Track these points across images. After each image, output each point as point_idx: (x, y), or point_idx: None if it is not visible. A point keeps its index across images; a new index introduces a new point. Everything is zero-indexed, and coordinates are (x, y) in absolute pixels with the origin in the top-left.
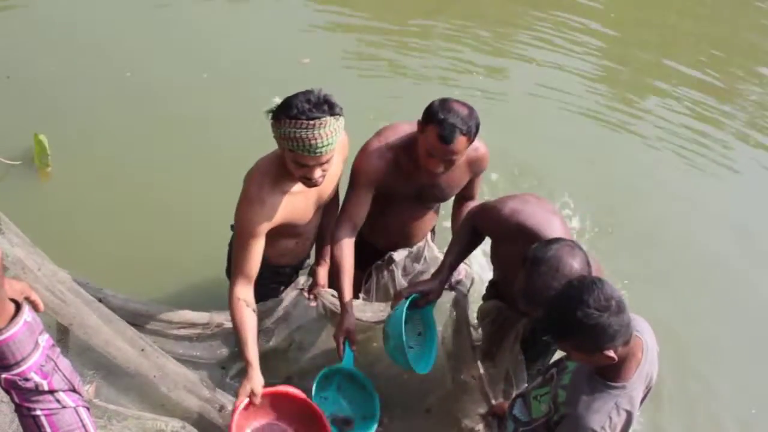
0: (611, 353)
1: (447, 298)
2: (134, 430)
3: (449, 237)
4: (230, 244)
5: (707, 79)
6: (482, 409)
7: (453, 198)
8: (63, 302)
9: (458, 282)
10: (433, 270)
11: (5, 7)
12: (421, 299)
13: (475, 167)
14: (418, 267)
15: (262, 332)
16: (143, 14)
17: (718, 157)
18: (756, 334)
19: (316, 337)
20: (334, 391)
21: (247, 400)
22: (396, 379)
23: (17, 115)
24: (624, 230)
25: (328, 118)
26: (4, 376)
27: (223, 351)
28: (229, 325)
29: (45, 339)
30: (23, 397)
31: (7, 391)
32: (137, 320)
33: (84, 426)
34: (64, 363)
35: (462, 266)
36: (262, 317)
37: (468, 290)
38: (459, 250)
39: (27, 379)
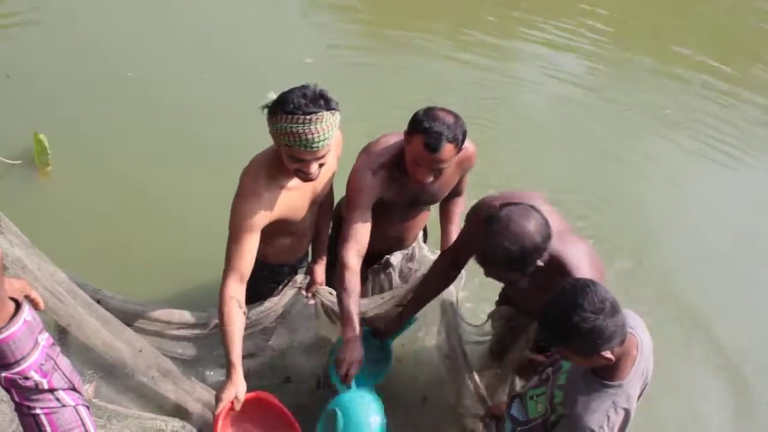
0: (608, 354)
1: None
2: (134, 430)
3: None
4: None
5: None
6: (480, 411)
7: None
8: (61, 302)
9: None
10: (423, 270)
11: (7, 5)
12: (377, 336)
13: (465, 166)
14: (412, 266)
15: (261, 332)
16: (145, 14)
17: None
18: None
19: (314, 337)
20: None
21: (228, 405)
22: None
23: (17, 115)
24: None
25: (325, 113)
26: (4, 374)
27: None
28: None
29: (45, 338)
30: (23, 395)
31: (7, 390)
32: (136, 322)
33: (84, 424)
34: (64, 362)
35: None
36: (260, 316)
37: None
38: (425, 296)
39: (27, 378)
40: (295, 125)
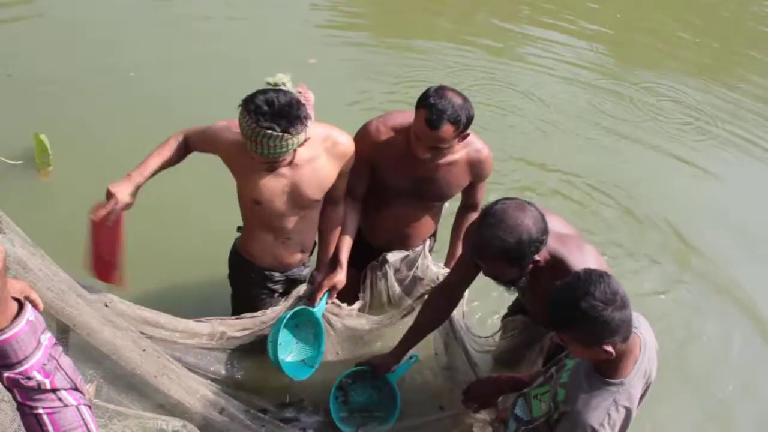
0: (610, 348)
1: None
2: (135, 430)
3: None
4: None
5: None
6: (489, 415)
7: (458, 207)
8: (64, 302)
9: None
10: (424, 280)
11: (8, 5)
12: (373, 371)
13: (476, 169)
14: (417, 275)
15: (262, 342)
16: (149, 14)
17: None
18: None
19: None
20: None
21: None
22: (412, 380)
23: (18, 115)
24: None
25: (277, 134)
26: (6, 374)
27: (230, 367)
28: (232, 334)
29: (47, 338)
30: (25, 395)
31: (10, 390)
32: (140, 327)
33: (86, 424)
34: (66, 361)
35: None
36: (261, 326)
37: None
38: (418, 333)
39: (29, 378)
40: (249, 129)
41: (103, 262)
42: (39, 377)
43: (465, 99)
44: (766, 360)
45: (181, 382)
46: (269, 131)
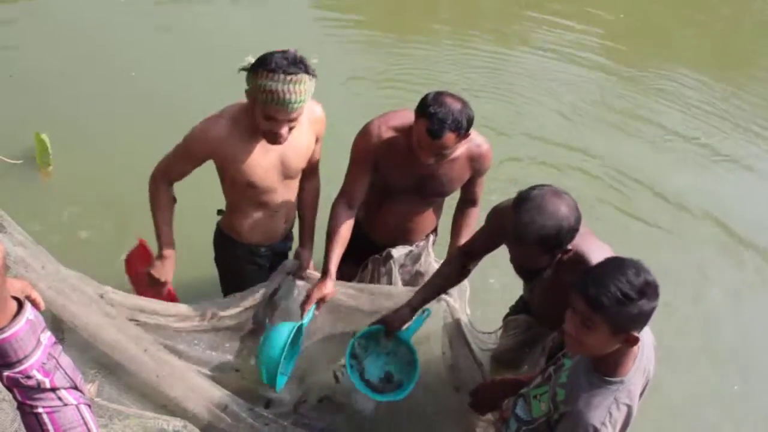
0: (633, 336)
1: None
2: (135, 429)
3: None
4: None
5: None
6: (494, 416)
7: (456, 204)
8: (66, 300)
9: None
10: (428, 275)
11: (9, 4)
12: (387, 329)
13: (476, 164)
14: (417, 268)
15: (253, 321)
16: (149, 15)
17: None
18: None
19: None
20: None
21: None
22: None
23: (19, 114)
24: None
25: (304, 75)
26: (6, 374)
27: (232, 345)
28: (225, 316)
29: (47, 337)
30: (25, 394)
31: (10, 389)
32: (135, 315)
33: (85, 423)
34: (66, 360)
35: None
36: (248, 303)
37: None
38: (434, 287)
39: (29, 377)
40: (275, 83)
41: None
42: (39, 376)
43: (464, 103)
44: None
45: (184, 381)
46: (298, 75)
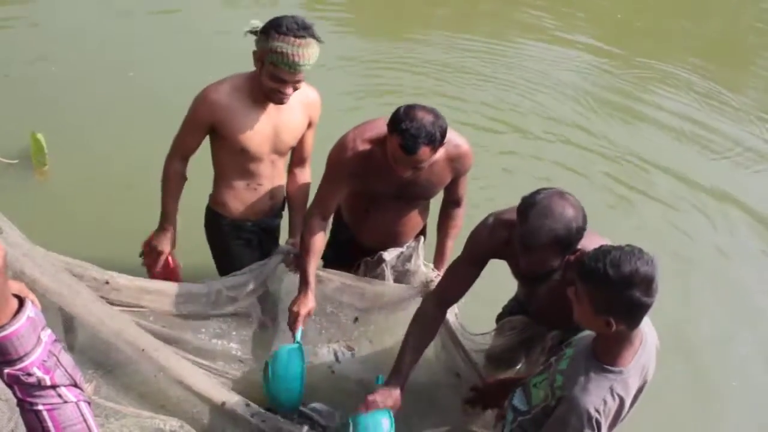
0: (612, 323)
1: None
2: (132, 429)
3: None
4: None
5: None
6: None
7: (441, 203)
8: (66, 295)
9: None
10: (415, 277)
11: (5, 3)
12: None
13: (457, 165)
14: (407, 267)
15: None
16: (145, 15)
17: None
18: None
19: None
20: None
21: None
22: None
23: (14, 114)
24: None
25: (311, 40)
26: (6, 371)
27: (239, 333)
28: (228, 293)
29: (47, 335)
30: (25, 392)
31: (10, 386)
32: (141, 298)
33: (85, 420)
34: (66, 358)
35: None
36: (252, 285)
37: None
38: (422, 343)
39: (29, 374)
40: (286, 45)
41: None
42: (39, 374)
43: (436, 115)
44: None
45: (182, 378)
46: (306, 39)
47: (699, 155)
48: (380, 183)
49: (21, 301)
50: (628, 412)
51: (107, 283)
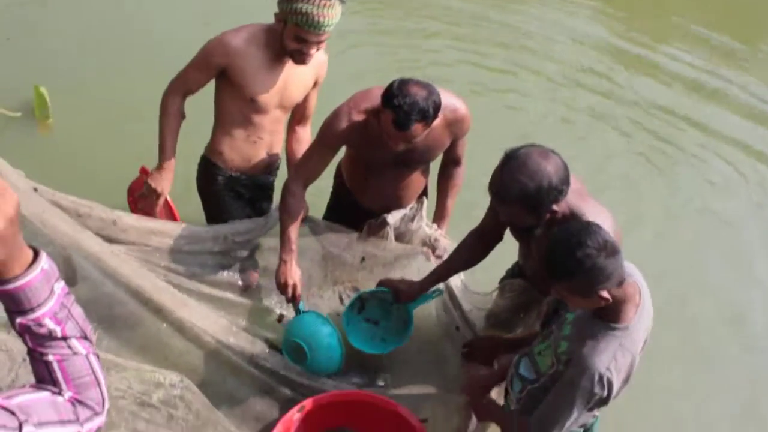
0: (606, 294)
1: None
2: (132, 381)
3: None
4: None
5: None
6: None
7: (440, 163)
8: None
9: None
10: (416, 236)
11: None
12: (395, 298)
13: (455, 128)
14: (410, 227)
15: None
16: None
17: None
18: None
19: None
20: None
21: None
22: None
23: (17, 67)
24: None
25: (335, 1)
26: (18, 320)
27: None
28: (235, 238)
29: (60, 287)
30: (36, 342)
31: (21, 335)
32: (147, 239)
33: (94, 373)
34: (78, 311)
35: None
36: (258, 232)
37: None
38: (451, 266)
39: (41, 325)
40: (310, 7)
41: None
42: (50, 325)
43: (429, 89)
44: None
45: (184, 325)
46: (330, 0)
47: (719, 108)
48: (377, 152)
49: (36, 253)
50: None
51: (114, 223)
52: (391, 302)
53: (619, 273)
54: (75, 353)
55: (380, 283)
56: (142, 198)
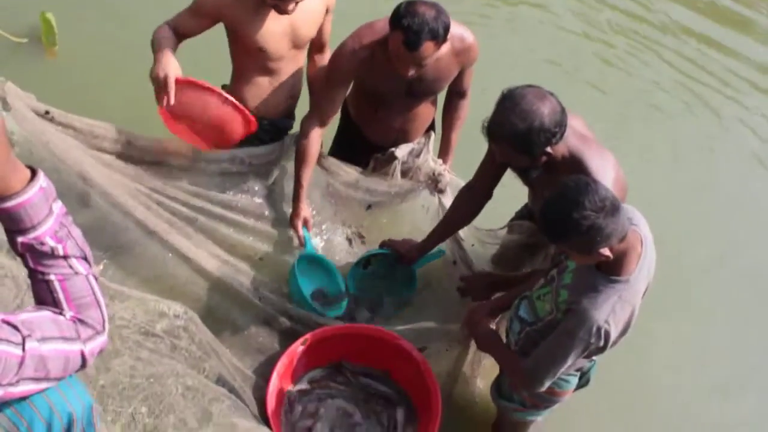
0: (606, 252)
1: None
2: (136, 311)
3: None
4: None
5: None
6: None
7: (445, 95)
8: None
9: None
10: (422, 170)
11: None
12: (399, 259)
13: (463, 58)
14: (417, 163)
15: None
16: None
17: None
18: None
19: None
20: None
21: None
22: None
23: None
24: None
25: None
26: (20, 240)
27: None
28: (252, 161)
29: (58, 206)
30: (38, 261)
31: (22, 255)
32: (164, 158)
33: (94, 293)
34: (76, 231)
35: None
36: (273, 155)
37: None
38: (448, 225)
39: (42, 243)
40: None
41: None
42: (52, 243)
43: (438, 9)
44: None
45: (190, 262)
46: None
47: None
48: (386, 84)
49: (33, 171)
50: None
51: (129, 143)
52: (393, 263)
53: (620, 230)
54: (76, 273)
55: (383, 245)
56: (158, 94)
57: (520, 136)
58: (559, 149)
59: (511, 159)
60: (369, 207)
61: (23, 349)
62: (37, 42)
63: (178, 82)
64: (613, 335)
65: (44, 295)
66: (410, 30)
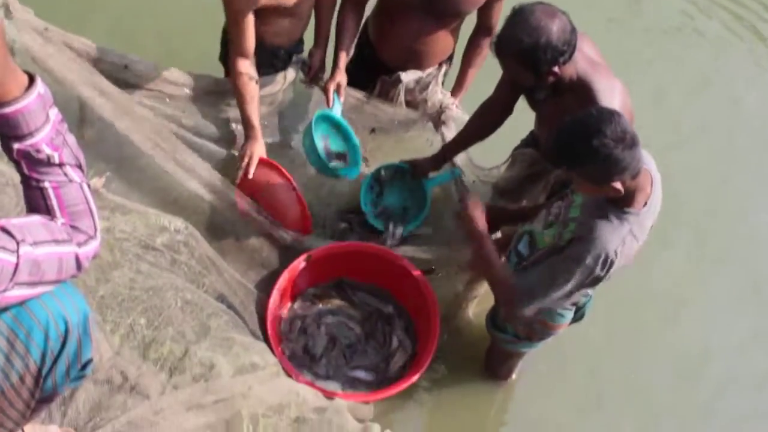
0: (618, 185)
1: None
2: (137, 224)
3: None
4: (223, 30)
5: None
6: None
7: (472, 31)
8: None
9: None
10: (428, 104)
11: None
12: (412, 171)
13: None
14: (423, 96)
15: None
16: None
17: None
18: None
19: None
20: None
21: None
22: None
23: None
24: None
25: None
26: (16, 146)
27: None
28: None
29: (55, 113)
30: (33, 168)
31: (17, 162)
32: (166, 88)
33: (87, 202)
34: (71, 139)
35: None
36: (279, 86)
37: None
38: (464, 137)
39: (39, 151)
40: None
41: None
42: (48, 150)
43: None
44: None
45: (195, 173)
46: None
47: None
48: None
49: (31, 78)
50: None
51: (126, 67)
52: (404, 174)
53: (635, 166)
54: (70, 180)
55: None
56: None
57: (525, 52)
58: (567, 71)
59: (517, 76)
60: (372, 131)
61: (17, 255)
62: None
63: (260, 161)
64: (615, 267)
65: (37, 203)
66: None
